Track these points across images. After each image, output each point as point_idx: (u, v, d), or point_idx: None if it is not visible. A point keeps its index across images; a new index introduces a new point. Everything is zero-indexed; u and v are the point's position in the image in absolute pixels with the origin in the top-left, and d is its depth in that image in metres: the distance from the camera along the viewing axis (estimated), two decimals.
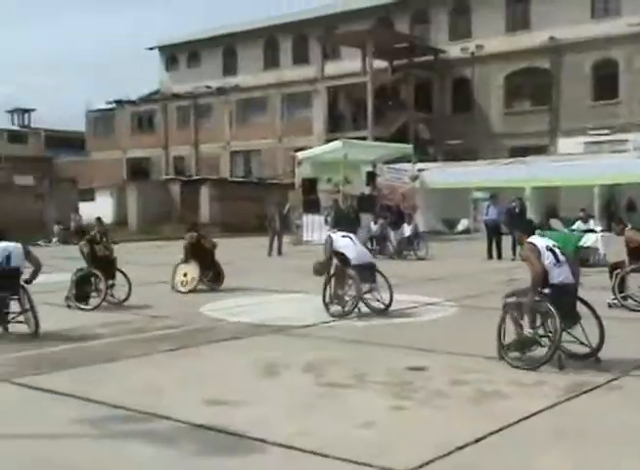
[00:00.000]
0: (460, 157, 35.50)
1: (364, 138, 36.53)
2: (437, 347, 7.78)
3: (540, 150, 36.21)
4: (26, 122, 68.11)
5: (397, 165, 29.51)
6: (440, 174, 31.22)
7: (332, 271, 10.53)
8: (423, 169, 30.51)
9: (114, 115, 55.98)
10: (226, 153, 50.10)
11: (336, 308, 10.22)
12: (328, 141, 32.43)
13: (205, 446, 4.87)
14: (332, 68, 42.55)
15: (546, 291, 6.84)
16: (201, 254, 13.22)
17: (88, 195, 36.16)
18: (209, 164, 49.28)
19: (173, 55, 54.54)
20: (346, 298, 10.22)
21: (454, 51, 41.36)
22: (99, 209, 32.42)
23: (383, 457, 4.53)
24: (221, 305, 11.20)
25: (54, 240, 28.18)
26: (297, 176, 27.52)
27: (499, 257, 18.69)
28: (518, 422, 5.21)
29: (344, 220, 21.57)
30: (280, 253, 21.39)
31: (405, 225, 20.81)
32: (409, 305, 11.06)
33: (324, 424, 5.25)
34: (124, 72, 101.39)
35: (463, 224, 30.87)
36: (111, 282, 11.45)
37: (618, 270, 10.50)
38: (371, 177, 27.95)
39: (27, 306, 8.81)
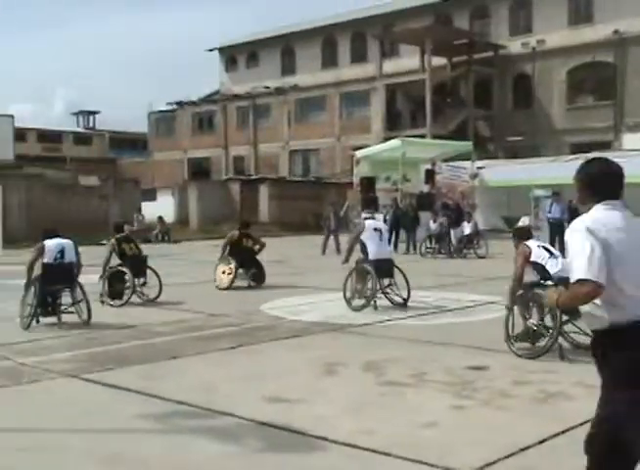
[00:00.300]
0: (521, 154, 34.91)
1: (423, 136, 36.31)
2: (498, 346, 7.68)
3: (604, 146, 35.31)
4: (91, 124, 69.91)
5: (456, 163, 29.22)
6: (500, 172, 30.77)
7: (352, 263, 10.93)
8: (482, 167, 30.14)
9: (175, 116, 56.90)
10: (285, 152, 50.43)
11: (357, 303, 10.50)
12: (386, 139, 32.39)
13: (269, 443, 4.92)
14: (390, 65, 42.38)
15: (549, 283, 7.16)
16: (240, 252, 13.43)
17: (150, 195, 36.76)
18: (268, 164, 49.69)
19: (232, 56, 55.12)
20: (368, 292, 10.53)
21: (515, 46, 40.73)
22: (161, 208, 33.17)
23: (445, 457, 4.51)
24: (280, 304, 11.30)
25: None
26: (356, 175, 27.52)
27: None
28: (583, 424, 5.09)
29: (404, 219, 21.55)
30: (338, 251, 21.42)
31: (465, 223, 20.65)
32: (468, 303, 11.00)
33: (385, 423, 5.25)
34: (185, 74, 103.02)
35: (524, 222, 30.36)
36: (142, 280, 11.68)
37: None
38: (430, 175, 27.76)
39: (80, 298, 9.36)
